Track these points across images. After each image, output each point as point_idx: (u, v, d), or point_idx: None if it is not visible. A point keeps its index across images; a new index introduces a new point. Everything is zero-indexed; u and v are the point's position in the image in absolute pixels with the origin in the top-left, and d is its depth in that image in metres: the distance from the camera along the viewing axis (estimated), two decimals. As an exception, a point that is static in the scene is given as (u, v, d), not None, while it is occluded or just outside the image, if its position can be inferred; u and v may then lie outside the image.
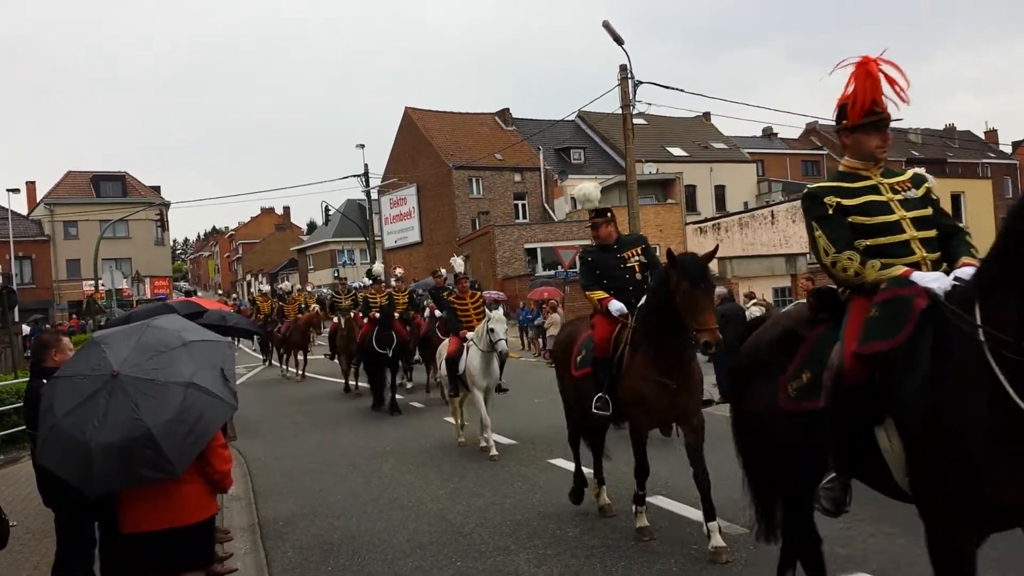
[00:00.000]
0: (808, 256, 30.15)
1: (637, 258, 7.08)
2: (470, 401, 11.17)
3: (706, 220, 45.10)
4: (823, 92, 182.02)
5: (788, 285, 31.61)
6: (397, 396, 15.28)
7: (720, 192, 53.41)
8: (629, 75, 24.08)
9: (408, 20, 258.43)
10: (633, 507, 6.68)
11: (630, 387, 6.34)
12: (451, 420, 11.92)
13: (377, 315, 15.28)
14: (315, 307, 23.29)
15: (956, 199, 34.18)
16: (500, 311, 10.66)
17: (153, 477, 3.97)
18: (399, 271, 19.39)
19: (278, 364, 23.54)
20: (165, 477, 3.98)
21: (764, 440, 4.36)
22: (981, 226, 34.34)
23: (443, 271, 17.85)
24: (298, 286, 25.84)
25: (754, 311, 14.57)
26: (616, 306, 6.74)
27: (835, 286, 4.04)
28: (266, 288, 36.32)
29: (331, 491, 9.11)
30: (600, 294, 6.93)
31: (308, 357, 22.37)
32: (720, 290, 17.35)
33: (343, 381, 18.39)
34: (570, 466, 8.00)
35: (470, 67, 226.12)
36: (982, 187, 37.64)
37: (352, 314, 17.83)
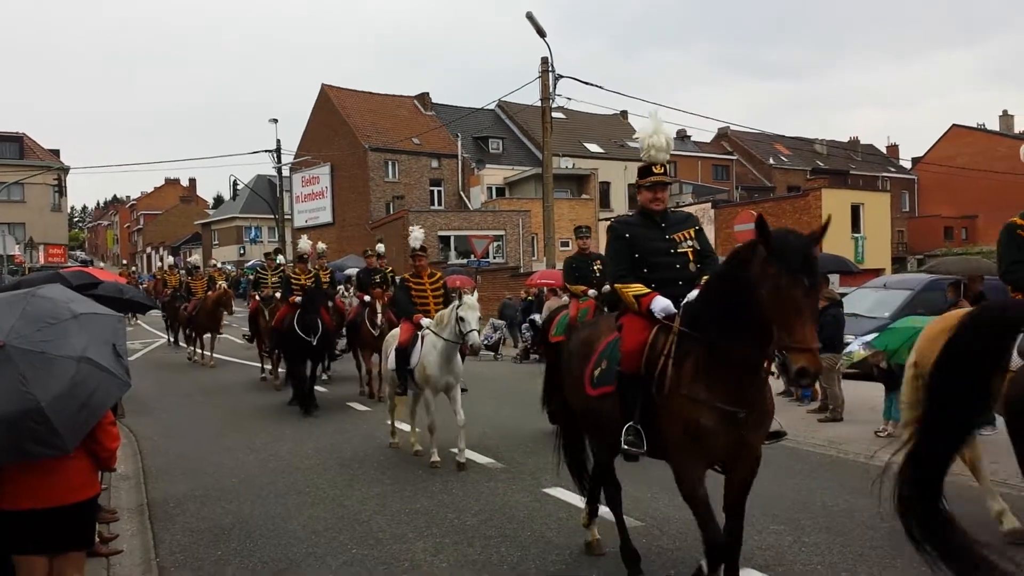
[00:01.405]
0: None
1: (690, 243, 5.30)
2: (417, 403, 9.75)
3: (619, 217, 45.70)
4: (736, 99, 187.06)
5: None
6: (316, 388, 13.50)
7: (633, 190, 54.23)
8: (550, 68, 24.26)
9: (335, 3, 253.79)
10: None
11: (678, 415, 4.61)
12: (409, 428, 9.99)
13: (298, 298, 13.41)
14: (222, 284, 21.11)
15: (856, 210, 35.46)
16: (474, 296, 9.06)
17: (42, 453, 3.82)
18: (321, 245, 16.67)
19: (184, 345, 21.80)
20: (54, 454, 3.83)
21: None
22: (878, 238, 35.86)
23: (380, 248, 16.32)
24: (212, 261, 23.61)
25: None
26: (661, 305, 4.92)
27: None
28: (171, 261, 34.62)
29: (226, 474, 8.90)
30: (638, 289, 5.08)
31: (217, 339, 20.26)
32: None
33: (260, 367, 16.95)
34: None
35: (391, 50, 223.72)
36: (881, 200, 39.08)
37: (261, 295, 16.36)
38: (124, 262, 68.14)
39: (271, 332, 14.82)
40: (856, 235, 34.90)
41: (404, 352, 9.39)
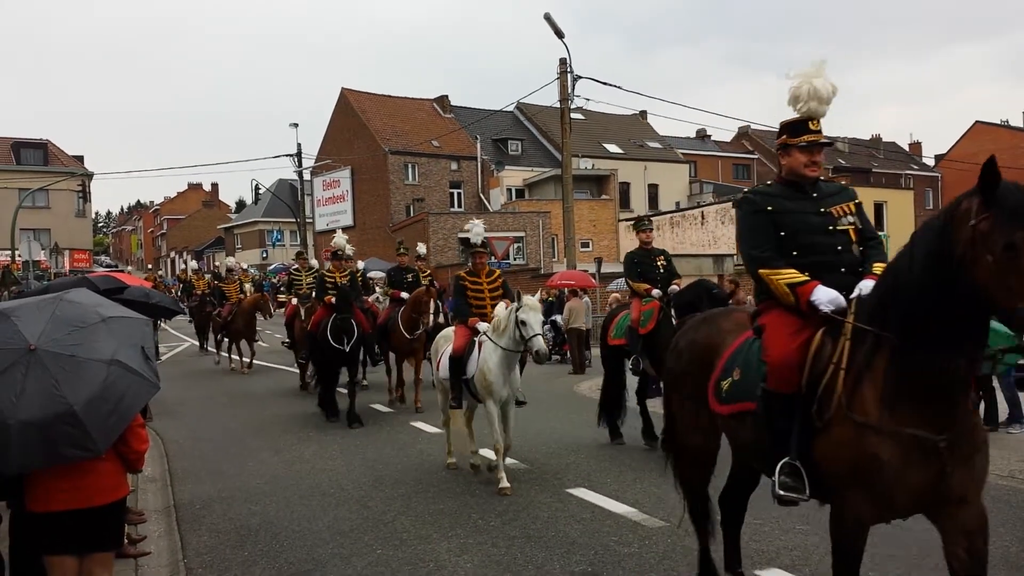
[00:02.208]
0: (735, 257, 30.79)
1: (851, 219, 4.27)
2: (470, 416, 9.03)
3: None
4: (756, 97, 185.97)
5: (716, 284, 32.22)
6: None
7: (653, 191, 54.08)
8: (568, 69, 24.25)
9: (352, 4, 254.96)
10: None
11: (847, 445, 3.57)
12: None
13: (333, 300, 12.25)
14: (249, 288, 20.87)
15: (879, 208, 35.22)
16: (536, 296, 8.09)
17: (75, 456, 3.86)
18: (349, 248, 14.71)
19: (215, 351, 20.75)
20: (87, 456, 3.88)
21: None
22: (902, 236, 35.53)
23: (422, 249, 15.55)
24: (242, 264, 22.13)
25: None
26: (828, 295, 3.86)
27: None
28: (195, 265, 34.46)
29: (251, 475, 8.96)
30: (792, 276, 4.00)
31: (255, 346, 19.38)
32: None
33: (300, 376, 15.72)
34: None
35: (409, 53, 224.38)
36: (905, 197, 38.87)
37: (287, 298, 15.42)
38: (150, 267, 68.63)
39: (306, 336, 13.76)
40: (880, 234, 34.59)
41: (459, 360, 8.41)
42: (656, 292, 9.53)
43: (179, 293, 27.90)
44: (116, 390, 3.91)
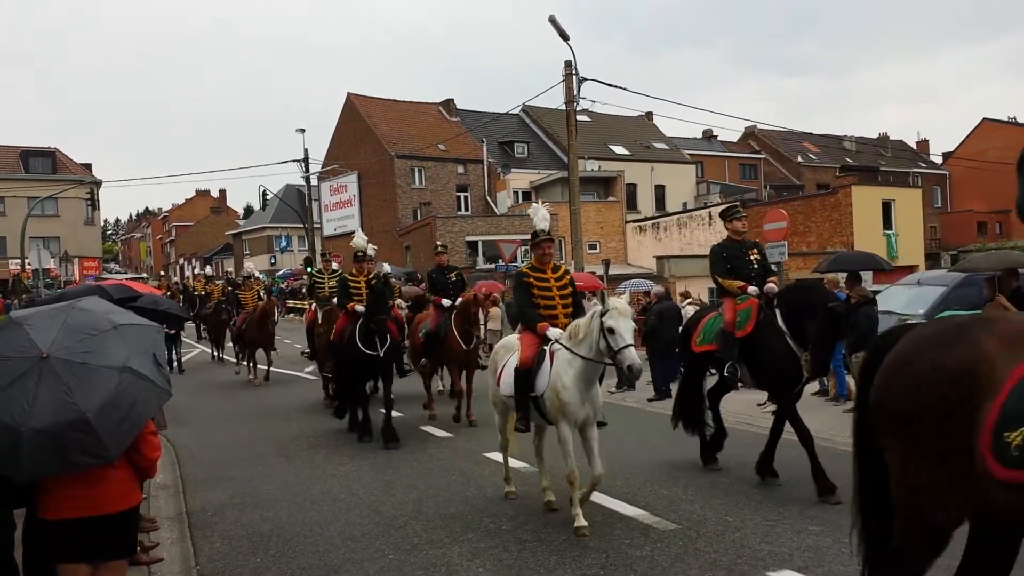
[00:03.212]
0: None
1: None
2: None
3: (646, 219, 45.60)
4: (761, 97, 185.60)
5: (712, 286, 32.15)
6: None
7: (660, 192, 54.03)
8: (574, 71, 24.21)
9: (353, 6, 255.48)
10: None
11: None
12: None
13: (358, 306, 11.18)
14: (258, 292, 20.01)
15: (887, 206, 35.07)
16: (624, 297, 6.81)
17: (87, 463, 3.87)
18: (372, 249, 12.98)
19: (232, 360, 20.12)
20: (99, 463, 3.88)
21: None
22: (911, 234, 35.43)
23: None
24: (256, 272, 20.88)
25: (689, 310, 14.88)
26: None
27: None
28: (208, 271, 33.92)
29: (262, 481, 8.97)
30: None
31: (270, 356, 18.30)
32: (657, 288, 17.67)
33: (324, 390, 14.53)
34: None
35: (414, 56, 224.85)
36: (913, 196, 38.61)
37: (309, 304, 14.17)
38: (162, 274, 68.53)
39: (328, 347, 12.44)
40: (888, 232, 34.53)
41: (527, 374, 6.94)
42: (752, 289, 8.18)
43: (183, 301, 27.53)
44: (128, 397, 3.91)
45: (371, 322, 10.62)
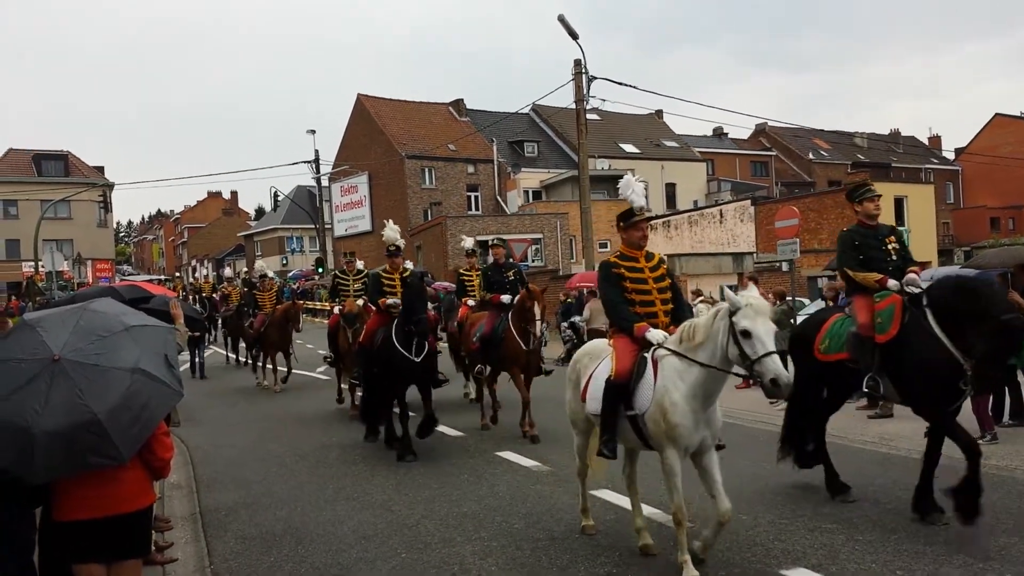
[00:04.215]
0: (755, 255, 30.67)
1: None
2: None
3: (656, 217, 45.51)
4: (773, 94, 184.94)
5: (735, 283, 32.07)
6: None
7: (671, 190, 53.96)
8: (583, 70, 24.23)
9: (362, 6, 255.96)
10: None
11: None
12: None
13: (390, 300, 10.23)
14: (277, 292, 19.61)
15: (899, 203, 34.93)
16: (755, 288, 5.94)
17: (99, 464, 3.88)
18: (401, 240, 11.41)
19: (250, 363, 19.20)
20: (111, 464, 3.90)
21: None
22: (923, 230, 35.26)
23: (467, 243, 13.75)
24: (269, 272, 20.00)
25: (701, 308, 14.83)
26: None
27: None
28: (228, 272, 33.00)
29: (275, 481, 9.00)
30: None
31: (291, 360, 17.53)
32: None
33: (351, 398, 13.46)
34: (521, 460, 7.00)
35: (423, 57, 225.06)
36: (925, 192, 38.48)
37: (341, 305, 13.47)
38: (177, 275, 68.47)
39: (358, 352, 11.26)
40: (900, 228, 34.35)
41: (623, 388, 5.67)
42: (892, 283, 6.72)
43: (199, 303, 27.38)
44: (139, 398, 3.93)
45: (409, 322, 9.48)
